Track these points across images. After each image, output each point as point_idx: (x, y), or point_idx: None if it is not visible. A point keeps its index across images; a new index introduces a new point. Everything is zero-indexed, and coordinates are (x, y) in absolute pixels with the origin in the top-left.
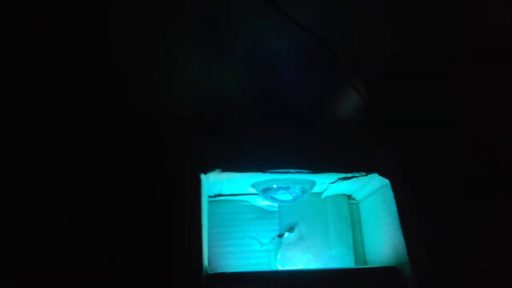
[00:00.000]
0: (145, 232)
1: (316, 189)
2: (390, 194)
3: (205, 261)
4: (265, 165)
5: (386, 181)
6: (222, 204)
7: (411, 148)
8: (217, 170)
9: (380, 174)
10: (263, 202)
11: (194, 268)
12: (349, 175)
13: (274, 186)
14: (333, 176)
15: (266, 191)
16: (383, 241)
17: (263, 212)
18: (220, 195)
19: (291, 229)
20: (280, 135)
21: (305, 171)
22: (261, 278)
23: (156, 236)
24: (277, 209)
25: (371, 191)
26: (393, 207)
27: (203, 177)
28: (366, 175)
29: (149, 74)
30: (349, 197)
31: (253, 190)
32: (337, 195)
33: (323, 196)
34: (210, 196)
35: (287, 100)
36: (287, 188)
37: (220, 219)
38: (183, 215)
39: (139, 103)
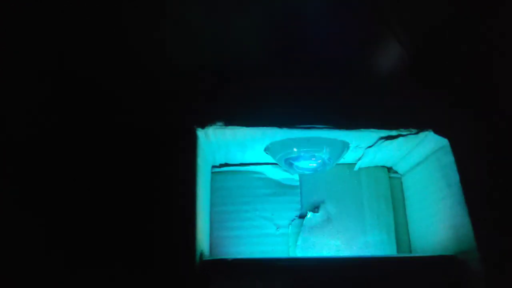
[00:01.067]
0: (125, 202)
1: (348, 158)
2: (449, 158)
3: (202, 244)
4: (281, 118)
5: (443, 142)
6: (229, 176)
7: (476, 102)
8: (218, 123)
9: (436, 132)
10: (280, 174)
11: (184, 251)
12: (394, 132)
13: (295, 149)
14: (373, 135)
15: (284, 157)
16: (437, 223)
17: (281, 187)
18: (227, 164)
19: (315, 209)
20: (303, 88)
21: (334, 126)
22: (273, 266)
23: (136, 207)
24: (298, 183)
25: (420, 159)
26: (454, 176)
27: (200, 133)
28: (417, 132)
29: (154, 24)
30: (389, 169)
31: (268, 159)
32: (375, 167)
33: (356, 167)
34: (214, 166)
35: (315, 53)
36: (310, 153)
37: (226, 195)
38: (171, 182)
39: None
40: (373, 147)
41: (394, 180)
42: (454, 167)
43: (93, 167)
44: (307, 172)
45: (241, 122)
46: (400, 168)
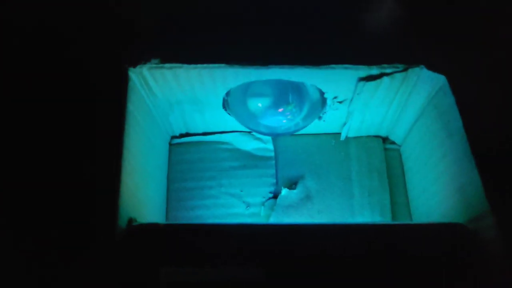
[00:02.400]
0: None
1: (332, 124)
2: (448, 100)
3: (134, 210)
4: (230, 54)
5: (440, 82)
6: (190, 148)
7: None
8: (154, 61)
9: (429, 68)
10: (251, 144)
11: (104, 213)
12: (374, 70)
13: (259, 105)
14: (349, 76)
15: (246, 114)
16: (441, 189)
17: (252, 159)
18: (188, 134)
19: (292, 185)
20: (267, 28)
21: (299, 63)
22: (223, 231)
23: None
24: (272, 153)
25: (416, 115)
26: (456, 121)
27: (134, 75)
28: (405, 69)
29: None
30: (385, 140)
31: (235, 125)
32: (367, 137)
33: (343, 135)
34: (173, 137)
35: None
36: (276, 104)
37: (186, 169)
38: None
39: None
40: (356, 101)
41: (391, 152)
42: (454, 110)
43: None
44: (277, 133)
45: (182, 58)
46: (397, 135)
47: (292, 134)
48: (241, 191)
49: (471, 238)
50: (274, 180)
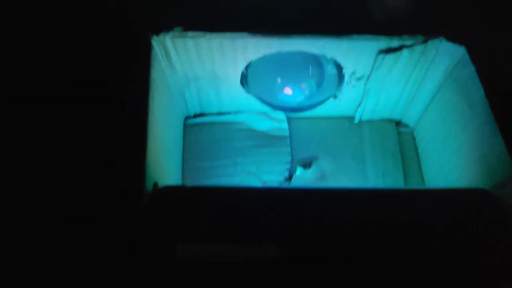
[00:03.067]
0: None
1: (346, 104)
2: (468, 71)
3: (157, 175)
4: (252, 24)
5: (460, 54)
6: (205, 129)
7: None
8: (177, 29)
9: (449, 39)
10: (266, 123)
11: (132, 176)
12: (395, 42)
13: (278, 80)
14: (369, 47)
15: (264, 89)
16: (461, 161)
17: (267, 138)
18: (202, 115)
19: (307, 165)
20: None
21: (321, 33)
22: (248, 195)
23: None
24: (287, 133)
25: (434, 90)
26: (477, 91)
27: (156, 43)
28: (425, 41)
29: None
30: (398, 124)
31: (249, 105)
32: (380, 120)
33: (357, 117)
34: (188, 118)
35: None
36: (296, 80)
37: (200, 149)
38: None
39: None
40: (373, 78)
41: (405, 135)
42: (475, 80)
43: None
44: (293, 108)
45: (204, 27)
46: (411, 118)
47: (308, 110)
48: (257, 168)
49: (495, 204)
50: (290, 158)
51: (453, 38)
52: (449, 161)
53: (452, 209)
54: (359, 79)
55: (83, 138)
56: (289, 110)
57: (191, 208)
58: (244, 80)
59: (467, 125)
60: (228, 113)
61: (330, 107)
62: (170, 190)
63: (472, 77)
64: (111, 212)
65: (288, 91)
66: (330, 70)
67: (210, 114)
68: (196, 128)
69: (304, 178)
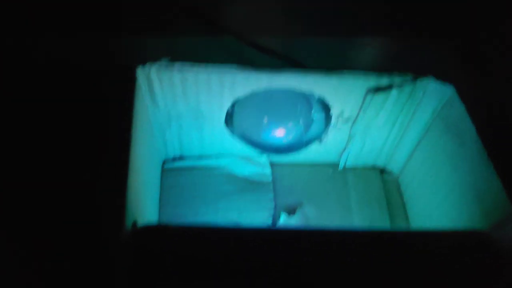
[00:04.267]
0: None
1: (331, 151)
2: (458, 110)
3: (137, 213)
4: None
5: (448, 93)
6: (184, 173)
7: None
8: (164, 59)
9: (438, 78)
10: (249, 168)
11: (111, 213)
12: (384, 80)
13: (264, 118)
14: (359, 86)
15: (249, 129)
16: (455, 203)
17: (249, 183)
18: (182, 158)
19: (291, 212)
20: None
21: (311, 68)
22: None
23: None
24: (270, 178)
25: (420, 133)
26: (468, 129)
27: (141, 78)
28: (414, 79)
29: None
30: (382, 172)
31: (232, 148)
32: (364, 168)
33: (342, 162)
34: (166, 161)
35: None
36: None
37: (179, 193)
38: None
39: None
40: (360, 121)
41: (389, 183)
42: (466, 118)
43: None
44: (278, 149)
45: (192, 59)
46: (395, 164)
47: (293, 151)
48: (239, 214)
49: (494, 246)
50: (273, 204)
51: (442, 77)
52: (441, 203)
53: (449, 251)
54: (346, 121)
55: (63, 170)
56: (274, 151)
57: (175, 248)
58: (229, 118)
59: (459, 165)
60: (209, 156)
61: (314, 153)
62: (152, 229)
63: (462, 116)
64: (90, 248)
65: (274, 130)
66: (318, 111)
67: (190, 157)
68: (174, 172)
69: (288, 223)
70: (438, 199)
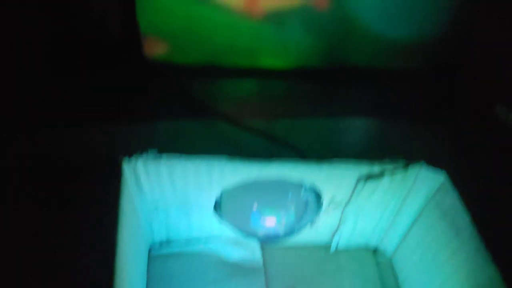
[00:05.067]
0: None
1: (322, 233)
2: (452, 197)
3: None
4: (230, 147)
5: (440, 179)
6: (172, 259)
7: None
8: (152, 151)
9: (429, 163)
10: (238, 253)
11: None
12: (376, 167)
13: (254, 206)
14: (350, 174)
15: (238, 218)
16: None
17: (240, 269)
18: (169, 242)
19: None
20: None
21: (302, 157)
22: None
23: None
24: (261, 264)
25: (413, 216)
26: (463, 218)
27: (127, 167)
28: (405, 165)
29: None
30: (374, 252)
31: (220, 232)
32: (356, 249)
33: (333, 245)
34: (153, 247)
35: None
36: (272, 207)
37: (168, 281)
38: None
39: None
40: (352, 205)
41: (383, 265)
42: (460, 206)
43: None
44: (269, 238)
45: (180, 150)
46: (388, 245)
47: (284, 239)
48: None
49: None
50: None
51: (434, 163)
52: None
53: None
54: (337, 205)
55: (49, 264)
56: (264, 239)
57: None
58: (217, 206)
59: (456, 254)
60: (197, 240)
61: (306, 236)
62: None
63: (455, 203)
64: None
65: (264, 219)
66: (308, 197)
67: (178, 242)
68: (161, 260)
69: None
70: (434, 285)
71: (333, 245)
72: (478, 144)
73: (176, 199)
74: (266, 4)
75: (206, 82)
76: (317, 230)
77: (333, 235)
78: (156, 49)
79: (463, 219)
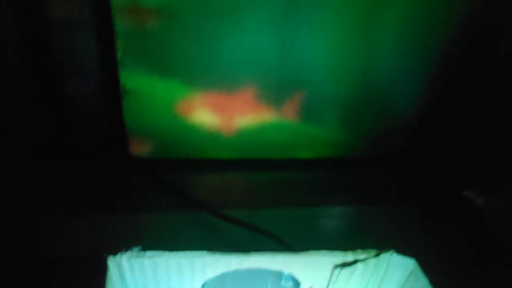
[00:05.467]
0: None
1: None
2: (421, 282)
3: None
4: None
5: (410, 265)
6: None
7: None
8: (136, 248)
9: (399, 252)
10: None
11: None
12: (349, 256)
13: None
14: (326, 262)
15: None
16: None
17: None
18: None
19: None
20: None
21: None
22: None
23: None
24: None
25: None
26: None
27: (112, 264)
28: (377, 254)
29: None
30: None
31: None
32: None
33: None
34: None
35: None
36: None
37: None
38: None
39: None
40: None
41: None
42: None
43: None
44: None
45: (163, 247)
46: None
47: None
48: None
49: None
50: None
51: (404, 251)
52: None
53: None
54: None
55: None
56: None
57: None
58: None
59: None
60: None
61: None
62: None
63: (425, 285)
64: None
65: None
66: (288, 285)
67: None
68: None
69: None
70: None
71: None
72: (447, 227)
73: None
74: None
75: (189, 174)
76: None
77: None
78: (141, 147)
79: None
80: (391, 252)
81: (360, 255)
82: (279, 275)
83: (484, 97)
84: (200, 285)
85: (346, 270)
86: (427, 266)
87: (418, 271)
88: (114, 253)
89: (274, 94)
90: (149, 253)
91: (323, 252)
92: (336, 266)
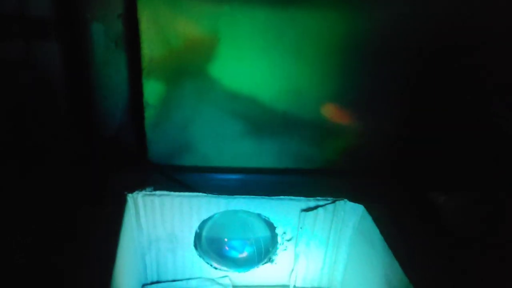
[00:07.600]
0: None
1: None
2: (368, 222)
3: None
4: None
5: (360, 210)
6: None
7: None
8: (149, 189)
9: (350, 200)
10: (214, 285)
11: None
12: (312, 202)
13: (225, 240)
14: (294, 207)
15: (214, 250)
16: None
17: None
18: (158, 282)
19: None
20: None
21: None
22: None
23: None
24: None
25: (348, 248)
26: (376, 234)
27: (130, 202)
28: (333, 201)
29: None
30: None
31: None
32: None
33: (291, 286)
34: (145, 285)
35: None
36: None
37: None
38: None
39: None
40: (301, 239)
41: None
42: (374, 227)
43: None
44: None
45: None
46: (336, 283)
47: (251, 267)
48: None
49: None
50: None
51: (354, 200)
52: None
53: None
54: (289, 240)
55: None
56: (234, 266)
57: None
58: (197, 239)
59: (373, 262)
60: (181, 280)
61: (269, 275)
62: None
63: (371, 225)
64: None
65: (232, 248)
66: (267, 230)
67: (166, 281)
68: None
69: None
70: None
71: (291, 285)
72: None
73: (165, 233)
74: None
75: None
76: (277, 269)
77: (290, 275)
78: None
79: (376, 235)
80: (344, 200)
81: (320, 201)
82: (258, 217)
83: (448, 114)
84: (197, 225)
85: (311, 214)
86: (374, 212)
87: (366, 214)
88: (132, 191)
89: None
90: (158, 192)
91: (290, 197)
92: (302, 210)
